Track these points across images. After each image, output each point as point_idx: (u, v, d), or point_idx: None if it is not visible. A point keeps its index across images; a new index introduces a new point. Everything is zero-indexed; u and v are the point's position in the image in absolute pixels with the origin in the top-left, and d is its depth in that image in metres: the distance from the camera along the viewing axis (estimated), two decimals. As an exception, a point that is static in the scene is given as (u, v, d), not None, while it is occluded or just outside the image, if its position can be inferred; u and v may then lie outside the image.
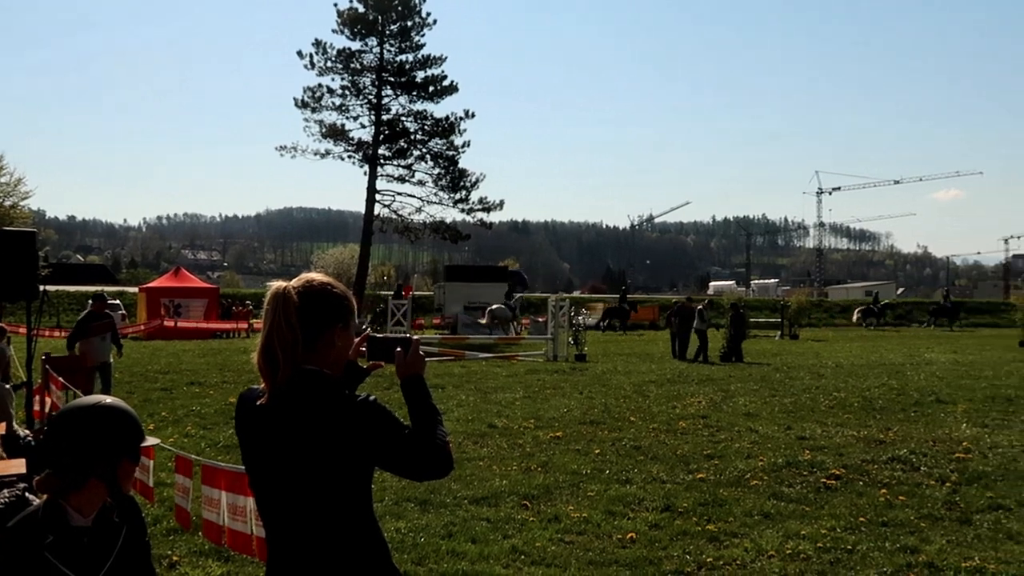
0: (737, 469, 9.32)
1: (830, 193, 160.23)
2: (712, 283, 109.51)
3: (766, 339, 37.10)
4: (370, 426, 2.36)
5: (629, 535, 6.83)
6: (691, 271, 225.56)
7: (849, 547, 6.58)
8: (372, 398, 2.41)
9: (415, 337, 2.67)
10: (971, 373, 20.29)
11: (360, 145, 41.22)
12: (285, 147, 41.61)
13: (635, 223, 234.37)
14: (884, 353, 27.91)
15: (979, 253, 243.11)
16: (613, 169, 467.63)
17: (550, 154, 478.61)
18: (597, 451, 10.34)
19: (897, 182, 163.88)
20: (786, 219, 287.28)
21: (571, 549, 6.53)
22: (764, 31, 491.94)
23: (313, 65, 40.69)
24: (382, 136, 41.20)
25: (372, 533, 2.47)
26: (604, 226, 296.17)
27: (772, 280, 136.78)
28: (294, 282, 2.53)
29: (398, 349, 2.59)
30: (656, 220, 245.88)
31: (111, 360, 13.47)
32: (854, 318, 48.94)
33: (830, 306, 63.20)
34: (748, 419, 12.94)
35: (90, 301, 14.31)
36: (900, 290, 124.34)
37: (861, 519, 7.35)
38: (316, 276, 2.58)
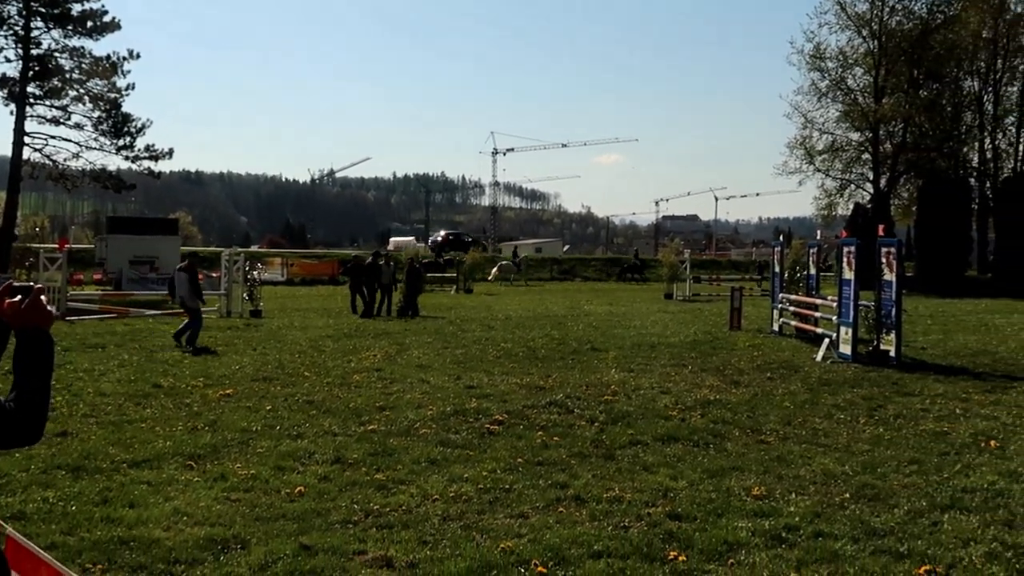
0: (408, 419, 9.60)
1: (504, 154, 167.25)
2: (392, 239, 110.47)
3: (442, 293, 38.28)
4: None
5: (298, 489, 6.83)
6: (372, 227, 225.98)
7: (507, 486, 7.03)
8: None
9: (37, 285, 2.49)
10: (622, 323, 22.25)
11: (5, 81, 36.90)
12: (-90, 80, 36.39)
13: (315, 177, 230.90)
14: (549, 306, 29.80)
15: (635, 214, 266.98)
16: (293, 121, 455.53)
17: (227, 102, 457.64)
18: (269, 407, 10.21)
19: (565, 145, 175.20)
20: (464, 177, 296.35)
21: (237, 507, 6.41)
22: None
23: (-55, -12, 35.81)
24: (31, 73, 37.14)
25: None
26: (283, 179, 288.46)
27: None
28: None
29: (18, 298, 2.41)
30: (337, 175, 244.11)
31: None
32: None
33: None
34: (421, 371, 13.34)
35: None
36: (566, 247, 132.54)
37: (519, 460, 7.87)
38: None
